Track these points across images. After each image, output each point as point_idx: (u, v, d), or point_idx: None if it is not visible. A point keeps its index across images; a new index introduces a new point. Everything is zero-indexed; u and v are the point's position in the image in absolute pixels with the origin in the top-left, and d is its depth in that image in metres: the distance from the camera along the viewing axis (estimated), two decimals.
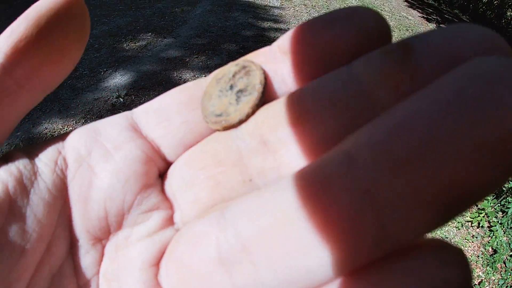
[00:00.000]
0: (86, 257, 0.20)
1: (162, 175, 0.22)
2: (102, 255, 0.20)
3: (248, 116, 0.19)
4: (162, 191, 0.21)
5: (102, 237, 0.20)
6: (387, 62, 0.15)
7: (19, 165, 0.19)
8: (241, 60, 0.21)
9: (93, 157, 0.20)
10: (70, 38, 0.20)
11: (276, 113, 0.18)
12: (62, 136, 0.21)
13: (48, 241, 0.19)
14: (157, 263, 0.19)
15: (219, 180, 0.19)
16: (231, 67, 0.21)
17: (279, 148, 0.17)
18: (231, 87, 0.20)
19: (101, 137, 0.21)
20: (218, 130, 0.20)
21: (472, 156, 0.10)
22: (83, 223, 0.20)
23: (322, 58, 0.17)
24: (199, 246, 0.16)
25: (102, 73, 3.64)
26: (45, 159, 0.20)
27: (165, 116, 0.21)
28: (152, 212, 0.20)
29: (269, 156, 0.17)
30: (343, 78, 0.16)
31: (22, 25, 0.19)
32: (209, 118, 0.20)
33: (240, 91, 0.19)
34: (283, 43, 0.19)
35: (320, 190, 0.13)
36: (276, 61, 0.19)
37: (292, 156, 0.17)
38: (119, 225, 0.20)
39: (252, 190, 0.18)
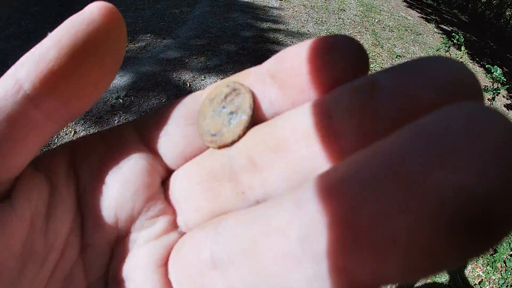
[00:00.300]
0: (96, 259, 0.21)
1: (164, 182, 0.23)
2: (111, 257, 0.21)
3: (240, 137, 0.21)
4: (166, 197, 0.22)
5: (111, 241, 0.21)
6: (353, 99, 0.16)
7: (36, 181, 0.20)
8: (232, 82, 0.22)
9: (103, 168, 0.21)
10: (106, 65, 0.19)
11: (262, 137, 0.20)
12: (71, 146, 0.22)
13: (62, 247, 0.20)
14: (164, 263, 0.21)
15: (216, 192, 0.21)
16: (222, 88, 0.22)
17: (264, 168, 0.19)
18: (224, 108, 0.22)
19: (110, 148, 0.22)
20: (214, 148, 0.22)
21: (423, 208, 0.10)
22: (94, 228, 0.21)
23: (306, 85, 0.19)
24: (198, 252, 0.19)
25: None
26: (58, 172, 0.20)
27: (165, 130, 0.22)
28: (157, 218, 0.22)
29: (257, 175, 0.19)
30: (317, 112, 0.17)
31: (52, 51, 0.17)
32: (205, 137, 0.22)
33: (232, 113, 0.21)
34: (271, 67, 0.20)
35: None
36: (264, 84, 0.21)
37: (275, 177, 0.19)
38: (128, 230, 0.21)
39: (244, 201, 0.20)
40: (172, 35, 4.51)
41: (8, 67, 0.17)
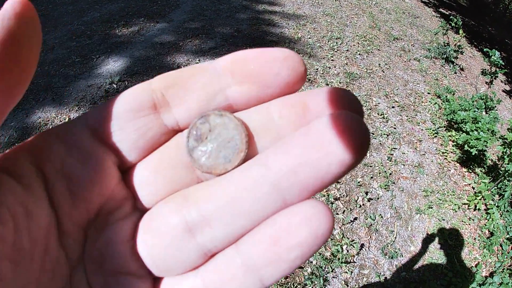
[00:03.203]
0: (73, 244, 0.23)
1: (125, 171, 0.25)
2: (85, 239, 0.24)
3: (234, 167, 0.24)
4: (128, 184, 0.25)
5: (83, 226, 0.24)
6: (291, 112, 0.23)
7: (7, 185, 0.21)
8: (215, 113, 0.24)
9: (67, 168, 0.23)
10: (22, 61, 0.19)
11: None
12: (29, 147, 0.23)
13: (45, 240, 0.21)
14: (131, 238, 0.24)
15: (174, 178, 0.24)
16: (205, 123, 0.24)
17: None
18: (211, 142, 0.24)
19: (68, 148, 0.23)
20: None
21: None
22: (67, 218, 0.23)
23: (263, 86, 0.23)
24: (170, 220, 0.23)
25: (94, 59, 3.58)
26: (26, 174, 0.22)
27: (117, 125, 0.24)
28: (122, 202, 0.25)
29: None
30: (262, 113, 0.24)
31: None
32: (198, 168, 0.24)
33: (223, 147, 0.24)
34: (229, 65, 0.23)
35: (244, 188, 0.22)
36: (222, 79, 0.24)
37: None
38: (97, 214, 0.24)
39: (198, 183, 0.25)
40: (166, 19, 4.43)
41: None
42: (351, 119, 0.19)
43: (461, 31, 4.74)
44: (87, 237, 0.24)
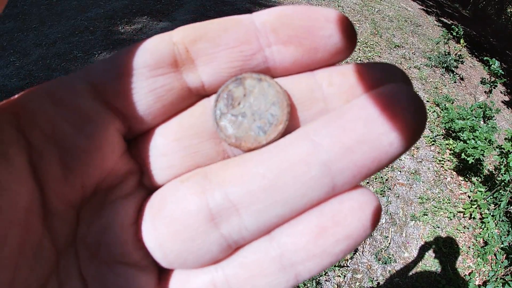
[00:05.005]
0: (62, 226, 0.20)
1: (131, 140, 0.21)
2: (77, 221, 0.20)
3: (270, 142, 0.20)
4: (134, 156, 0.21)
5: (76, 205, 0.20)
6: (345, 80, 0.20)
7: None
8: (252, 76, 0.20)
9: (58, 132, 0.18)
10: None
11: None
12: (13, 109, 0.18)
13: (24, 222, 0.18)
14: (134, 222, 0.20)
15: (197, 149, 0.20)
16: (240, 85, 0.20)
17: None
18: (244, 107, 0.20)
19: (60, 109, 0.19)
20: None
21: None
22: (56, 195, 0.19)
23: (315, 46, 0.19)
24: (188, 205, 0.19)
25: (96, 55, 3.58)
26: (6, 140, 0.18)
27: (127, 83, 0.19)
28: (124, 177, 0.21)
29: None
30: (308, 80, 0.20)
31: None
32: (225, 139, 0.20)
33: (257, 116, 0.20)
34: (271, 20, 0.19)
35: (285, 164, 0.18)
36: (262, 37, 0.19)
37: None
38: (93, 191, 0.20)
39: (223, 158, 0.21)
40: (169, 18, 4.44)
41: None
42: (411, 94, 0.17)
43: (462, 41, 4.76)
44: (80, 218, 0.20)
